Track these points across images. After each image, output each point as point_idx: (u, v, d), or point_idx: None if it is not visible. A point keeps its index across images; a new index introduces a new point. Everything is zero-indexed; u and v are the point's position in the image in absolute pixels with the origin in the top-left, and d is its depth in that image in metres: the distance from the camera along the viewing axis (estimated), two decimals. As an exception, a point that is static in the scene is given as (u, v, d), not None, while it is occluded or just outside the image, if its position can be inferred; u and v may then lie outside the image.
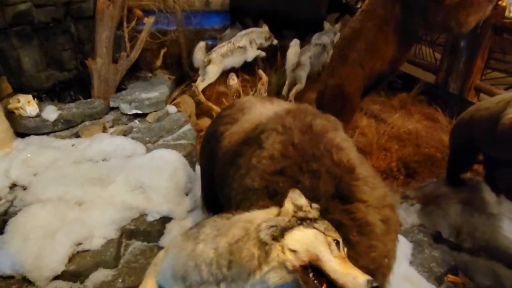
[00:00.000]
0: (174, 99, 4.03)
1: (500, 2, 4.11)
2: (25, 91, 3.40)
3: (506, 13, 4.33)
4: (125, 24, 4.17)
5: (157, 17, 4.83)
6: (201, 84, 4.84)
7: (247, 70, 5.63)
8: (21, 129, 2.98)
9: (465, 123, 2.94)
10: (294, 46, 4.80)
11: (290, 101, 4.89)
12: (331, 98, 3.75)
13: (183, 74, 5.37)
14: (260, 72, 4.05)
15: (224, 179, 1.63)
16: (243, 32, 5.21)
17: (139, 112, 3.40)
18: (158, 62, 4.37)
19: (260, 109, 1.86)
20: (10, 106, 2.98)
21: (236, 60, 5.11)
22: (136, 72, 4.38)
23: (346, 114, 3.79)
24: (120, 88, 4.06)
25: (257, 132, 1.50)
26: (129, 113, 3.40)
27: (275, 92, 5.32)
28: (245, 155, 1.49)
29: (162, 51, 4.40)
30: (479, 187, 3.12)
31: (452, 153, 3.24)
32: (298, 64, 4.86)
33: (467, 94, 4.69)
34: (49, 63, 3.71)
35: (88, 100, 3.56)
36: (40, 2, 3.42)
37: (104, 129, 3.16)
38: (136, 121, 3.43)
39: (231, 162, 1.60)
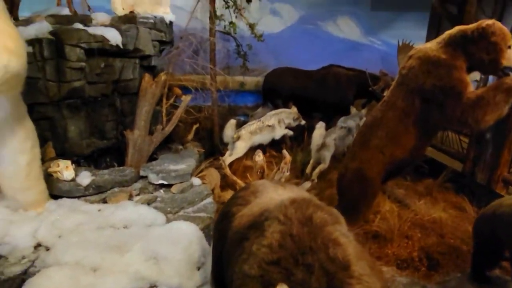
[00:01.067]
0: (201, 171, 4.22)
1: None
2: (66, 156, 3.73)
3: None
4: (164, 100, 4.57)
5: (194, 95, 5.28)
6: (228, 158, 5.08)
7: (275, 147, 5.88)
8: (56, 191, 3.22)
9: (488, 218, 2.88)
10: (319, 128, 5.01)
11: (313, 180, 4.99)
12: (352, 181, 3.80)
13: (214, 147, 5.70)
14: (284, 151, 4.22)
15: (230, 260, 1.69)
16: (273, 112, 5.54)
17: (165, 182, 3.59)
18: (190, 137, 4.68)
19: (272, 194, 1.96)
20: (50, 170, 3.26)
21: (264, 138, 5.37)
22: (169, 144, 4.68)
23: (367, 199, 3.80)
24: (152, 158, 4.33)
25: (263, 218, 1.58)
26: (156, 183, 3.60)
27: (300, 170, 5.45)
28: (250, 239, 1.56)
29: (194, 127, 4.73)
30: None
31: (475, 248, 3.12)
32: (323, 145, 5.02)
33: (495, 185, 4.58)
34: (92, 132, 4.08)
35: (121, 168, 3.82)
36: (93, 80, 3.87)
37: (130, 197, 3.35)
38: (162, 191, 3.61)
39: (237, 244, 1.67)
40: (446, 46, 3.24)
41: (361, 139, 3.82)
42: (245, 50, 5.72)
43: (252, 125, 5.24)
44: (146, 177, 3.72)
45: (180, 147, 4.53)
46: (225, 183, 4.84)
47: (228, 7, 5.38)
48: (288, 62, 6.31)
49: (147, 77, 4.32)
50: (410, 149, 3.53)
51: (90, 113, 4.01)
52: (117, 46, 3.87)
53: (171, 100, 4.65)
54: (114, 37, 3.81)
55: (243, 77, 6.37)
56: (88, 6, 5.31)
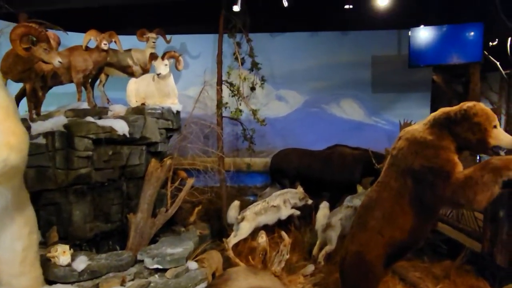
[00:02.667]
0: (199, 254, 4.18)
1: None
2: (69, 240, 3.85)
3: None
4: (169, 183, 4.75)
5: (201, 176, 5.46)
6: (233, 239, 5.03)
7: (283, 227, 5.81)
8: (52, 276, 3.26)
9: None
10: (323, 208, 4.97)
11: (319, 262, 4.81)
12: (352, 265, 3.65)
13: (222, 227, 5.69)
14: (283, 233, 4.18)
15: None
16: (278, 192, 5.58)
17: (160, 267, 3.58)
18: (192, 218, 4.74)
19: (241, 282, 1.95)
20: (48, 255, 3.36)
21: (269, 218, 5.34)
22: (172, 226, 4.74)
23: (368, 283, 3.60)
24: (154, 241, 4.37)
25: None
26: (151, 267, 3.59)
27: (307, 251, 5.30)
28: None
29: (197, 209, 4.82)
30: None
31: None
32: (328, 226, 4.92)
33: (516, 268, 4.25)
34: (96, 216, 4.24)
35: (119, 252, 3.87)
36: (100, 166, 4.14)
37: (123, 282, 3.34)
38: (157, 275, 3.58)
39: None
40: (432, 128, 3.31)
41: (359, 220, 3.75)
42: (250, 134, 5.99)
43: (257, 206, 5.26)
44: (143, 261, 3.73)
45: (182, 229, 4.57)
46: (229, 266, 4.74)
47: (234, 95, 5.78)
48: (295, 144, 6.51)
49: (153, 162, 4.57)
50: (408, 230, 3.41)
51: (95, 197, 4.20)
52: (124, 135, 4.19)
53: (176, 183, 4.82)
54: (121, 127, 4.15)
55: (250, 159, 6.58)
56: (107, 99, 5.87)
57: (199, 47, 6.65)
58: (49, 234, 3.76)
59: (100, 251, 4.14)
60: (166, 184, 4.79)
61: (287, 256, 4.15)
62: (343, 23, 6.43)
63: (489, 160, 2.93)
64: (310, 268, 4.47)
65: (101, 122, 4.06)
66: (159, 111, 4.72)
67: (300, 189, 5.65)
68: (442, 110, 3.36)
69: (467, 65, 6.98)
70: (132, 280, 3.49)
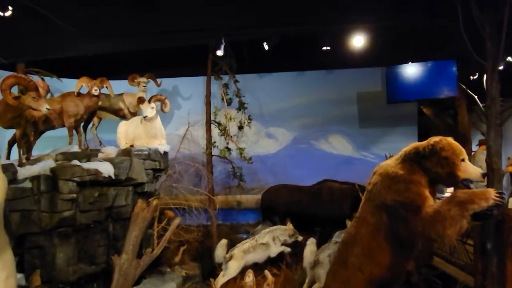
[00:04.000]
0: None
1: None
2: (52, 284, 3.85)
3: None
4: (155, 223, 4.79)
5: (193, 214, 5.49)
6: (221, 279, 4.99)
7: (275, 264, 5.75)
8: (31, 321, 3.26)
9: None
10: (310, 245, 4.93)
11: (308, 300, 4.72)
12: (334, 305, 3.60)
13: (213, 267, 5.64)
14: (266, 272, 4.16)
15: None
16: (267, 229, 5.57)
17: (140, 310, 3.55)
18: (177, 259, 4.73)
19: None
20: (28, 300, 3.36)
21: (258, 256, 5.30)
22: (158, 266, 4.72)
23: (352, 323, 3.53)
24: (138, 282, 4.35)
25: None
26: (131, 310, 3.56)
27: (297, 288, 5.22)
28: None
29: (182, 249, 4.81)
30: None
31: None
32: (316, 263, 4.86)
33: (508, 303, 4.15)
34: (80, 258, 4.25)
35: (100, 295, 3.85)
36: (86, 209, 4.21)
37: (102, 327, 3.31)
38: (137, 319, 3.55)
39: None
40: (403, 162, 3.38)
41: (339, 257, 3.73)
42: (239, 172, 6.07)
43: (245, 244, 5.25)
44: (124, 304, 3.71)
45: (168, 269, 4.56)
46: (216, 307, 4.68)
47: (222, 135, 5.93)
48: (285, 179, 6.56)
49: (139, 202, 4.63)
50: (387, 266, 3.38)
51: (80, 239, 4.24)
52: (110, 177, 4.29)
53: (163, 223, 4.86)
54: (106, 169, 4.26)
55: (241, 196, 6.62)
56: (100, 142, 6.04)
57: (190, 89, 6.91)
58: (32, 278, 3.77)
59: (84, 294, 4.13)
60: (153, 225, 4.84)
61: (271, 295, 4.10)
62: (328, 62, 6.67)
63: (455, 194, 2.97)
64: (297, 307, 4.38)
65: (86, 165, 4.18)
66: (146, 152, 4.85)
67: (289, 226, 5.64)
68: (412, 145, 3.44)
69: (453, 98, 7.15)
70: (112, 324, 3.46)
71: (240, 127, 6.17)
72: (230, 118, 5.80)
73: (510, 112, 6.21)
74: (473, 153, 7.95)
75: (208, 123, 5.80)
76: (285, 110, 6.92)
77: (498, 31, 4.27)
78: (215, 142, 5.83)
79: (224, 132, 5.77)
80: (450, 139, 3.30)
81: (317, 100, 6.87)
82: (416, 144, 3.44)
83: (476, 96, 5.41)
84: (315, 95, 6.87)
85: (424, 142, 3.36)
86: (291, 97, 6.93)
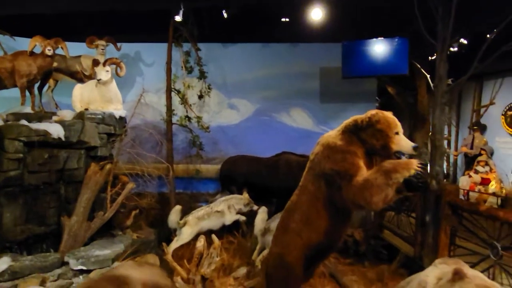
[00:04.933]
0: (131, 256, 4.24)
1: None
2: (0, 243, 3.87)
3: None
4: (109, 188, 4.81)
5: (153, 181, 5.53)
6: (174, 244, 5.10)
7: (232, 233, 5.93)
8: (-29, 277, 3.29)
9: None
10: (261, 213, 5.10)
11: (257, 266, 4.92)
12: (273, 267, 3.77)
13: (170, 233, 5.76)
14: (213, 236, 4.30)
15: None
16: (223, 198, 5.69)
17: (84, 268, 3.63)
18: (128, 222, 4.80)
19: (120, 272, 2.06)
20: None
21: (212, 224, 5.42)
22: (111, 230, 4.79)
23: (289, 284, 3.72)
24: (89, 244, 4.41)
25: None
26: (75, 268, 3.64)
27: (250, 255, 5.40)
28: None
29: (133, 213, 4.88)
30: None
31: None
32: (267, 231, 5.04)
33: (438, 270, 4.46)
34: (30, 219, 4.25)
35: (47, 253, 3.90)
36: (34, 169, 4.18)
37: (43, 283, 3.38)
38: (81, 277, 3.63)
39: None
40: (343, 134, 3.51)
41: (282, 223, 3.89)
42: (198, 141, 6.11)
43: (200, 211, 5.36)
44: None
45: (120, 232, 4.63)
46: (168, 270, 4.80)
47: (182, 103, 5.92)
48: (246, 151, 6.66)
49: (92, 166, 4.63)
50: (323, 232, 3.56)
51: (29, 200, 4.23)
52: (60, 138, 4.26)
53: (117, 188, 4.89)
54: (56, 131, 4.22)
55: (200, 165, 6.69)
56: (56, 105, 5.93)
57: (153, 56, 6.77)
58: (-24, 236, 3.78)
59: (32, 253, 4.15)
60: (106, 189, 4.86)
61: (217, 259, 4.26)
62: (292, 35, 6.66)
63: (382, 164, 3.12)
64: (242, 271, 4.58)
65: (34, 126, 4.12)
66: (100, 116, 4.80)
67: (245, 195, 5.77)
68: (352, 118, 3.57)
69: (415, 78, 7.34)
70: (55, 280, 3.53)
71: (200, 96, 6.16)
72: (188, 86, 5.77)
73: (455, 92, 6.43)
74: (430, 133, 8.26)
75: (169, 90, 5.76)
76: (248, 81, 6.92)
77: (449, 13, 4.39)
78: (174, 110, 5.81)
79: (183, 100, 5.75)
80: (387, 113, 3.44)
81: (281, 73, 6.90)
82: (356, 116, 3.56)
83: (428, 76, 5.61)
84: (279, 68, 6.89)
85: (363, 115, 3.50)
86: (255, 69, 6.92)
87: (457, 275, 2.05)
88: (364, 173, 3.29)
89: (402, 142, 3.29)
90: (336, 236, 3.74)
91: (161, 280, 2.08)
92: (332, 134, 3.67)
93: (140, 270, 2.16)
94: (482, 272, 3.79)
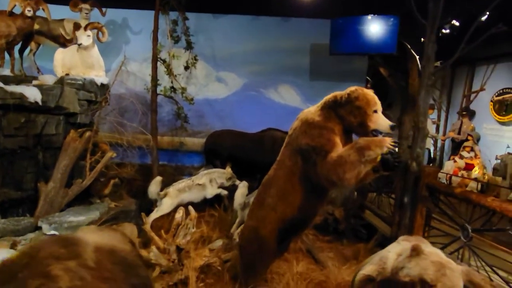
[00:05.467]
0: (106, 224, 4.24)
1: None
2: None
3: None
4: (88, 155, 4.77)
5: (132, 151, 5.50)
6: (153, 214, 5.12)
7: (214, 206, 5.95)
8: None
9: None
10: (241, 187, 5.10)
11: (235, 239, 4.96)
12: (248, 240, 3.80)
13: (151, 203, 5.77)
14: (190, 208, 4.30)
15: None
16: (206, 171, 5.68)
17: (56, 233, 3.62)
18: (106, 191, 4.79)
19: (81, 236, 2.04)
20: None
21: (193, 196, 5.43)
22: (90, 198, 4.78)
23: (262, 258, 3.76)
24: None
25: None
26: (47, 233, 3.64)
27: (229, 229, 5.45)
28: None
29: (112, 181, 4.85)
30: None
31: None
32: (246, 205, 5.06)
33: (412, 250, 4.53)
34: (6, 183, 4.22)
35: (20, 217, 3.89)
36: (10, 133, 4.11)
37: (14, 246, 3.38)
38: (54, 242, 3.63)
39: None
40: (322, 110, 3.47)
41: (258, 197, 3.89)
42: (183, 113, 6.04)
43: (181, 183, 5.35)
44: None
45: (98, 201, 4.62)
46: (146, 239, 4.84)
47: (168, 74, 5.80)
48: (232, 125, 6.60)
49: (71, 133, 4.58)
50: (298, 207, 3.57)
51: (5, 164, 4.18)
52: (37, 103, 4.17)
53: (96, 156, 4.85)
54: (33, 95, 4.12)
55: (184, 138, 6.65)
56: (38, 69, 5.79)
57: (141, 23, 6.58)
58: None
59: (7, 217, 4.13)
60: (86, 156, 4.82)
61: (193, 230, 4.28)
62: (284, 9, 6.49)
63: (357, 141, 3.10)
64: (218, 243, 4.62)
65: (10, 88, 4.02)
66: (80, 82, 4.70)
67: (228, 170, 5.76)
68: (332, 94, 3.52)
69: (407, 60, 7.23)
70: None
71: (186, 67, 6.04)
72: (174, 56, 5.64)
73: (447, 76, 6.35)
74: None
75: (154, 60, 5.63)
76: (237, 54, 6.78)
77: (441, -9, 4.28)
78: (159, 80, 5.70)
79: (168, 70, 5.63)
80: (366, 90, 3.39)
81: (271, 47, 6.75)
82: (336, 92, 3.51)
83: (418, 57, 5.51)
84: (269, 42, 6.73)
85: (343, 92, 3.44)
86: (245, 42, 6.77)
87: (415, 251, 2.06)
88: (339, 149, 3.27)
89: (380, 121, 3.26)
90: (311, 212, 3.76)
91: (119, 245, 2.06)
92: (311, 109, 3.63)
93: (98, 234, 2.14)
94: (452, 253, 3.87)
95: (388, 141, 2.88)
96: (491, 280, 3.18)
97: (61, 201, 4.37)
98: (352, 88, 3.34)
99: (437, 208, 4.30)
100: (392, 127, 3.26)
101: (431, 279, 1.92)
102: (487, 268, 3.42)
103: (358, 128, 3.33)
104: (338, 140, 3.29)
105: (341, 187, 3.15)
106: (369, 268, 2.37)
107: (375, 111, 3.29)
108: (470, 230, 3.49)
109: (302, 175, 3.50)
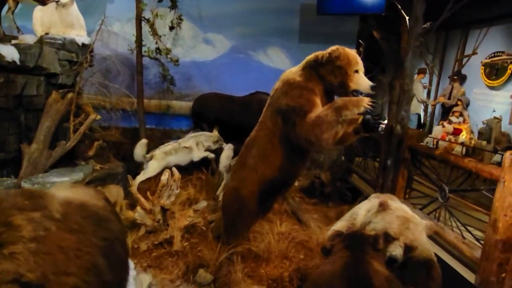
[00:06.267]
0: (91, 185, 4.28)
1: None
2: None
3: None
4: (71, 117, 4.72)
5: (117, 114, 5.46)
6: (140, 177, 5.16)
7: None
8: None
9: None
10: (226, 150, 5.11)
11: (220, 201, 5.03)
12: (229, 200, 3.86)
13: (139, 166, 5.80)
14: (174, 169, 4.33)
15: None
16: (192, 134, 5.67)
17: (39, 193, 3.65)
18: (91, 153, 4.78)
19: (54, 192, 2.06)
20: None
21: (180, 159, 5.45)
22: (75, 160, 4.78)
23: (243, 217, 3.84)
24: (50, 172, 4.41)
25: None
26: (30, 193, 3.65)
27: (216, 191, 5.53)
28: None
29: (96, 143, 4.84)
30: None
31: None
32: (231, 168, 5.09)
33: (393, 212, 4.64)
34: (-12, 144, 4.19)
35: (2, 178, 3.90)
36: (-12, 93, 4.04)
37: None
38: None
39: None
40: (303, 70, 3.43)
41: (240, 159, 3.92)
42: (169, 75, 5.94)
43: (168, 146, 5.36)
44: (26, 188, 3.78)
45: (83, 162, 4.63)
46: (132, 201, 4.90)
47: (152, 34, 5.65)
48: (221, 89, 6.52)
49: (53, 94, 4.50)
50: (278, 168, 3.61)
51: (-15, 125, 4.14)
52: (14, 62, 4.07)
53: (80, 118, 4.80)
54: (10, 53, 4.01)
55: (171, 101, 6.58)
56: (18, 28, 5.60)
57: (125, -19, 6.33)
58: None
59: (-10, 178, 4.15)
60: (69, 118, 4.77)
61: (177, 191, 4.33)
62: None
63: (335, 100, 3.09)
64: (202, 204, 4.69)
65: (-15, 47, 3.90)
66: (60, 42, 4.56)
67: (215, 133, 5.76)
68: (314, 54, 3.46)
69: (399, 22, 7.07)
70: (10, 204, 3.56)
71: (172, 28, 5.88)
72: (157, 15, 5.46)
73: (434, 37, 6.17)
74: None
75: (138, 19, 5.46)
76: (225, 15, 6.55)
77: None
78: (143, 40, 5.55)
79: (152, 30, 5.48)
80: (348, 50, 3.33)
81: (260, 7, 6.52)
82: (318, 52, 3.46)
83: (407, 18, 5.37)
84: (257, 2, 6.49)
85: (325, 51, 3.38)
86: (232, 2, 6.51)
87: (381, 206, 2.11)
88: (318, 110, 3.26)
89: (361, 81, 3.23)
90: (291, 173, 3.79)
91: (91, 200, 2.08)
92: (293, 70, 3.58)
93: (70, 190, 2.16)
94: (430, 213, 3.97)
95: (366, 101, 2.87)
96: (464, 238, 3.28)
97: (45, 163, 4.37)
98: (334, 47, 3.28)
99: (417, 170, 4.36)
100: (372, 88, 3.24)
101: (395, 232, 1.98)
102: (463, 229, 3.52)
103: (339, 88, 3.31)
104: (318, 100, 3.27)
105: (319, 147, 3.16)
106: (340, 224, 2.43)
107: (356, 71, 3.25)
108: (447, 191, 3.55)
109: (282, 136, 3.51)
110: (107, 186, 4.56)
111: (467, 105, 7.82)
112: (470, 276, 3.04)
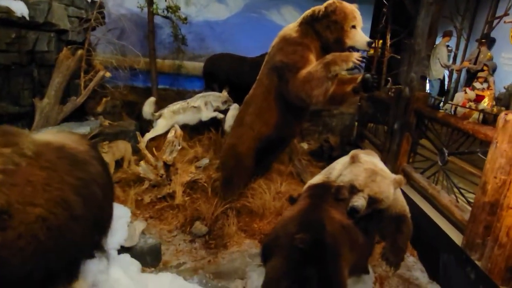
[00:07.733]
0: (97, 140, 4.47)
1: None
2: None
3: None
4: (82, 74, 4.87)
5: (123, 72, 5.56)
6: (148, 134, 5.33)
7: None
8: None
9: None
10: (232, 109, 5.15)
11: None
12: (226, 157, 3.95)
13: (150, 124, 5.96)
14: (176, 126, 4.42)
15: None
16: (201, 94, 5.72)
17: (47, 144, 3.86)
18: (99, 108, 4.94)
19: (39, 136, 2.18)
20: None
21: (188, 118, 5.55)
22: (85, 115, 4.98)
23: (239, 173, 3.93)
24: (60, 126, 4.63)
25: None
26: (39, 143, 3.87)
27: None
28: None
29: (104, 100, 4.99)
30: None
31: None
32: (237, 127, 5.14)
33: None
34: (3, 97, 4.41)
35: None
36: (2, 48, 4.20)
37: (7, 153, 3.64)
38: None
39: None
40: (300, 26, 3.34)
41: (238, 116, 3.96)
42: (180, 34, 5.93)
43: (176, 105, 5.45)
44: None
45: (92, 118, 4.81)
46: (141, 158, 5.09)
47: (162, -10, 5.61)
48: (233, 49, 6.46)
49: (64, 50, 4.63)
50: (273, 125, 3.62)
51: (0, 80, 4.34)
52: (24, 17, 4.18)
53: (90, 75, 4.94)
54: (19, 9, 4.11)
55: (183, 62, 6.60)
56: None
57: None
58: None
59: (7, 130, 4.40)
60: (80, 75, 4.92)
61: (179, 147, 4.44)
62: None
63: (325, 56, 3.01)
64: (204, 161, 4.79)
65: (-4, 2, 4.02)
66: (69, -3, 4.64)
67: (224, 93, 5.77)
68: (311, 9, 3.35)
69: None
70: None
71: (182, -15, 5.80)
72: (165, -29, 5.40)
73: None
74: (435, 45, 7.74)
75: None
76: (238, -29, 6.40)
77: None
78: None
79: (161, -14, 5.44)
80: (345, 4, 3.20)
81: (274, -37, 6.30)
82: (316, 7, 3.34)
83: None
84: (272, -43, 6.27)
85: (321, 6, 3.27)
86: (246, -42, 6.34)
87: (352, 159, 2.10)
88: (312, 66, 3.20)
89: (357, 37, 3.12)
90: (287, 131, 3.80)
91: (72, 144, 2.19)
92: (290, 26, 3.51)
93: (54, 134, 2.28)
94: (429, 177, 3.89)
95: (355, 56, 2.79)
96: (458, 201, 3.23)
97: (56, 117, 4.57)
98: (330, 1, 3.16)
99: (420, 134, 4.24)
100: (369, 44, 3.13)
101: (360, 184, 1.98)
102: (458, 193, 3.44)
103: (335, 44, 3.22)
104: (312, 57, 3.21)
105: (309, 104, 3.13)
106: (317, 177, 2.45)
107: (353, 27, 3.14)
108: (446, 154, 3.46)
109: (277, 93, 3.50)
110: (115, 142, 4.75)
111: (494, 70, 7.37)
112: (458, 239, 3.02)
